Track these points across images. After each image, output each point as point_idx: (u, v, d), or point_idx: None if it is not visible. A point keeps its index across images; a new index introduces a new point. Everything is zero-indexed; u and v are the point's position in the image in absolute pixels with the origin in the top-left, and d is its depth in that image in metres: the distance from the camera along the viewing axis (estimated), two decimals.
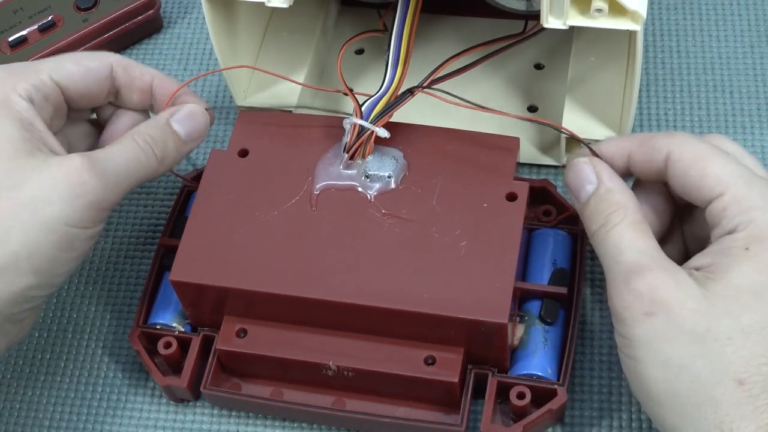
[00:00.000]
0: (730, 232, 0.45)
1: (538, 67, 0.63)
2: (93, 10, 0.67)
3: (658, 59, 0.64)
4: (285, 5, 0.54)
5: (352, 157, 0.52)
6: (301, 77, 0.60)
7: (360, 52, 0.65)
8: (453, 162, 0.52)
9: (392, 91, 0.53)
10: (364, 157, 0.52)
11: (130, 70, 0.54)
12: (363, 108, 0.52)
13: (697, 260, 0.45)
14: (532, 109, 0.61)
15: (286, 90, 0.60)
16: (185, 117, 0.53)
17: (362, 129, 0.52)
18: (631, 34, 0.51)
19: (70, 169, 0.48)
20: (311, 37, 0.63)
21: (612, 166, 0.49)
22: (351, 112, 0.53)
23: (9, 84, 0.50)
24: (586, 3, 0.49)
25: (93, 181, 0.48)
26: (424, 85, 0.53)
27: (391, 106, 0.52)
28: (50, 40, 0.66)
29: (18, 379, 0.56)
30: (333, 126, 0.54)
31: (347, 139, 0.52)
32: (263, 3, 0.54)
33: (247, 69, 0.60)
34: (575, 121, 0.57)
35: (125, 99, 0.54)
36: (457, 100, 0.52)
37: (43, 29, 0.67)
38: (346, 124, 0.52)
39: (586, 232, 0.49)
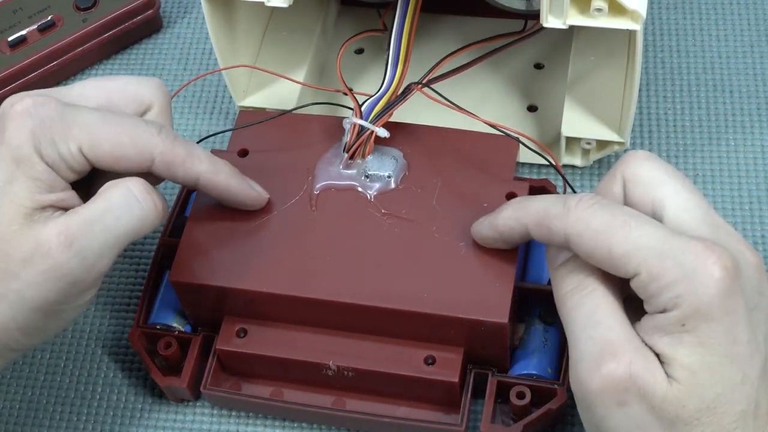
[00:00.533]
0: (663, 311, 0.41)
1: (538, 66, 0.63)
2: (92, 9, 0.67)
3: (658, 59, 0.64)
4: (284, 5, 0.54)
5: (352, 157, 0.52)
6: (300, 77, 0.60)
7: (360, 51, 0.65)
8: (453, 162, 0.52)
9: (392, 90, 0.53)
10: (363, 156, 0.52)
11: (173, 169, 0.47)
12: (363, 108, 0.52)
13: (646, 337, 0.42)
14: (531, 108, 0.61)
15: (286, 89, 0.60)
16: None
17: (362, 129, 0.52)
18: (630, 34, 0.51)
19: (44, 247, 0.44)
20: (311, 37, 0.63)
21: (511, 239, 0.47)
22: (351, 111, 0.53)
23: (35, 140, 0.45)
24: (586, 2, 0.49)
25: (69, 262, 0.44)
26: (423, 82, 0.53)
27: (390, 106, 0.52)
28: (50, 40, 0.66)
29: (18, 379, 0.56)
30: (332, 126, 0.54)
31: (347, 138, 0.52)
32: (263, 2, 0.54)
33: (246, 68, 0.60)
34: (575, 120, 0.57)
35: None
36: (451, 104, 0.52)
37: (43, 29, 0.66)
38: (346, 124, 0.52)
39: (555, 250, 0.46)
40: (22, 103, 0.46)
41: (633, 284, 0.42)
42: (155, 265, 0.55)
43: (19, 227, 0.45)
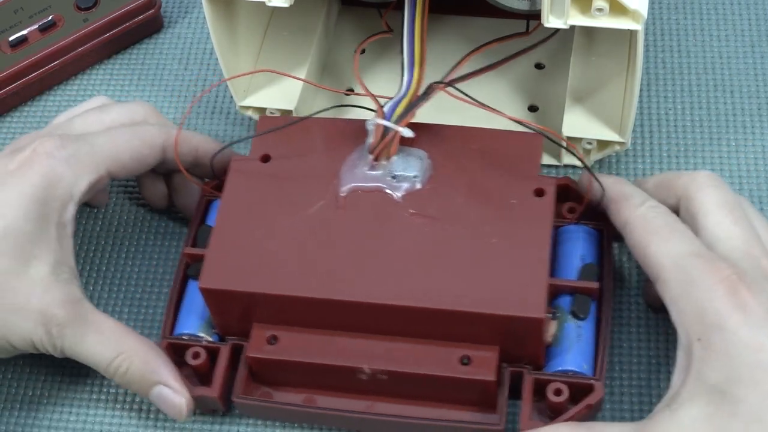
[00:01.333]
0: (676, 322, 0.46)
1: (539, 66, 0.63)
2: (93, 9, 0.67)
3: (659, 59, 0.64)
4: (286, 4, 0.53)
5: (377, 159, 0.52)
6: (301, 75, 0.60)
7: (361, 52, 0.64)
8: (478, 160, 0.52)
9: (412, 92, 0.53)
10: (389, 158, 0.52)
11: (179, 149, 0.54)
12: (385, 108, 0.52)
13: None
14: (532, 108, 0.61)
15: (287, 90, 0.60)
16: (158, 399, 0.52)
17: (386, 130, 0.51)
18: (631, 34, 0.51)
19: (44, 319, 0.50)
20: (311, 37, 0.62)
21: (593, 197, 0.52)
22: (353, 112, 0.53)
23: (67, 182, 0.51)
24: (587, 2, 0.49)
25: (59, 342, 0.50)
26: (446, 81, 0.53)
27: (413, 105, 0.52)
28: (50, 40, 0.66)
29: (18, 380, 0.56)
30: (354, 128, 0.53)
31: (371, 140, 0.52)
32: (264, 2, 0.53)
33: (247, 69, 0.60)
34: (576, 120, 0.57)
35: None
36: (475, 102, 0.51)
37: (44, 29, 0.66)
38: (370, 126, 0.52)
39: (615, 226, 0.50)
40: (51, 142, 0.52)
41: (656, 287, 0.47)
42: (179, 275, 0.55)
43: (23, 271, 0.50)
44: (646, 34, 0.64)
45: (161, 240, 0.60)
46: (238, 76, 0.58)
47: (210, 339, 0.53)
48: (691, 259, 0.45)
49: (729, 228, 0.47)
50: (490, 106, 0.51)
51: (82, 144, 0.52)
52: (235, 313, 0.51)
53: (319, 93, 0.62)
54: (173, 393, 0.50)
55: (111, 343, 0.50)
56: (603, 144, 0.58)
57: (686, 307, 0.45)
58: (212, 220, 0.56)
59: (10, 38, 0.66)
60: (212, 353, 0.52)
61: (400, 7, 0.57)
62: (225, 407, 0.53)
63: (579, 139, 0.57)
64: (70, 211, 0.51)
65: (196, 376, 0.52)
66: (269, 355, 0.50)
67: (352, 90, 0.62)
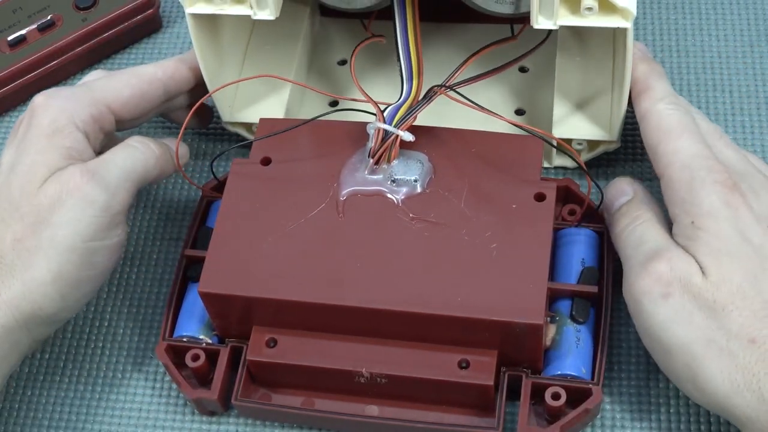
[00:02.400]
0: (678, 214, 0.48)
1: (522, 69, 0.62)
2: (92, 9, 0.67)
3: (658, 58, 0.64)
4: (271, 17, 0.52)
5: (377, 162, 0.52)
6: (286, 91, 0.59)
7: (343, 62, 0.64)
8: (478, 164, 0.52)
9: (411, 99, 0.53)
10: (389, 161, 0.52)
11: (178, 76, 0.56)
12: (386, 112, 0.52)
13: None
14: (519, 112, 0.61)
15: (273, 104, 0.59)
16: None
17: (386, 133, 0.51)
18: (621, 32, 0.51)
19: (70, 185, 0.49)
20: (294, 48, 0.62)
21: None
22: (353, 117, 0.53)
23: (68, 112, 0.51)
24: (576, 2, 0.49)
25: (94, 190, 0.49)
26: (447, 85, 0.53)
27: (413, 110, 0.52)
28: (49, 40, 0.66)
29: (18, 379, 0.56)
30: (354, 132, 0.53)
31: (372, 144, 0.52)
32: (249, 16, 0.52)
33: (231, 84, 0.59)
34: (565, 121, 0.57)
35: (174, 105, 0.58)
36: (476, 106, 0.51)
37: (43, 28, 0.66)
38: (370, 129, 0.52)
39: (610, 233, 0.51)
40: (44, 93, 0.52)
41: (662, 183, 0.50)
42: (178, 277, 0.55)
43: (44, 183, 0.49)
44: (644, 33, 0.64)
45: (160, 241, 0.60)
46: (226, 85, 0.57)
47: (209, 341, 0.53)
48: (698, 160, 0.49)
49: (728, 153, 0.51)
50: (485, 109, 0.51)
51: (80, 87, 0.54)
52: (234, 316, 0.51)
53: (304, 105, 0.61)
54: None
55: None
56: (594, 144, 0.57)
57: (686, 197, 0.48)
58: (212, 221, 0.56)
59: (9, 38, 0.66)
60: (212, 355, 0.52)
61: (382, 16, 0.57)
62: (224, 409, 0.53)
63: (569, 141, 0.57)
64: (80, 139, 0.51)
65: (195, 378, 0.52)
66: (269, 358, 0.50)
67: (336, 103, 0.61)
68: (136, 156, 0.52)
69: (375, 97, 0.53)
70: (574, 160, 0.52)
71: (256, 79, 0.56)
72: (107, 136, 0.54)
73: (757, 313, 0.45)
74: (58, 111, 0.51)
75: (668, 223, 0.50)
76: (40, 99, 0.52)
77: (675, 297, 0.46)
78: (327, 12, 0.65)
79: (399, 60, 0.54)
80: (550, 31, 0.56)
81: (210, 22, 0.55)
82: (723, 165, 0.49)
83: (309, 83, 0.62)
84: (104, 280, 0.52)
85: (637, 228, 0.50)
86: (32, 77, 0.66)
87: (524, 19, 0.52)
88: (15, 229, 0.49)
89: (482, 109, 0.52)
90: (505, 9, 0.53)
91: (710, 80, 0.63)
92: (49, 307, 0.49)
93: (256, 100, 0.60)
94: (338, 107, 0.57)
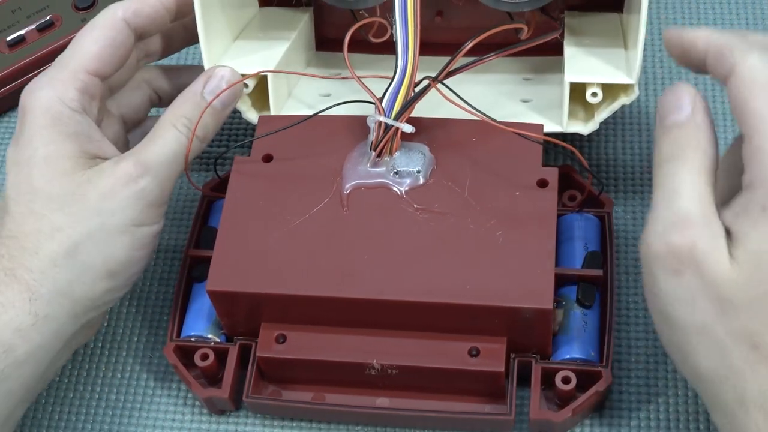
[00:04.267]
0: (750, 185, 0.42)
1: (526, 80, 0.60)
2: (91, 9, 0.67)
3: (657, 58, 0.65)
4: None
5: (379, 155, 0.52)
6: (281, 50, 0.57)
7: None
8: (479, 152, 0.52)
9: (408, 78, 0.51)
10: (391, 154, 0.52)
11: (141, 14, 0.54)
12: (384, 104, 0.52)
13: (725, 215, 0.43)
14: (525, 99, 0.58)
15: (264, 55, 0.57)
16: (217, 85, 0.53)
17: (387, 126, 0.51)
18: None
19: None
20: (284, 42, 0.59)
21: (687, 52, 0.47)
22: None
23: (56, 96, 0.51)
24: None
25: (149, 184, 0.50)
26: (440, 78, 0.53)
27: (411, 101, 0.52)
28: (48, 40, 0.66)
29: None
30: (354, 125, 0.53)
31: (373, 137, 0.52)
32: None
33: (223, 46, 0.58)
34: (578, 64, 0.54)
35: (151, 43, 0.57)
36: (465, 105, 0.51)
37: (42, 29, 0.67)
38: (371, 122, 0.52)
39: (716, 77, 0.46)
40: (27, 88, 0.53)
41: (744, 147, 0.43)
42: (183, 277, 0.55)
43: (86, 175, 0.50)
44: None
45: (160, 240, 0.60)
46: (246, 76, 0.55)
47: (218, 340, 0.53)
48: None
49: None
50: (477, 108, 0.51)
51: (55, 68, 0.53)
52: (243, 313, 0.51)
53: (298, 88, 0.60)
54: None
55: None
56: (609, 92, 0.54)
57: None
58: (214, 221, 0.56)
59: (8, 38, 0.66)
60: (220, 354, 0.52)
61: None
62: (235, 407, 0.53)
63: (583, 89, 0.53)
64: (81, 120, 0.51)
65: (204, 377, 0.52)
66: (278, 354, 0.50)
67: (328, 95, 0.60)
68: (184, 145, 0.52)
69: (372, 85, 0.52)
70: (577, 157, 0.52)
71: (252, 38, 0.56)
72: (102, 98, 0.54)
73: None
74: (47, 100, 0.51)
75: (720, 174, 0.45)
76: (25, 95, 0.52)
77: (686, 277, 0.42)
78: (323, 46, 0.63)
79: (395, 29, 0.52)
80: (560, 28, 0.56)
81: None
82: None
83: (303, 80, 0.61)
84: (150, 261, 0.53)
85: (677, 173, 0.44)
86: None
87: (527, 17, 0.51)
88: (53, 218, 0.49)
89: (471, 109, 0.51)
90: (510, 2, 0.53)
91: (710, 79, 0.63)
92: (99, 291, 0.50)
93: (248, 53, 0.58)
94: (334, 99, 0.56)
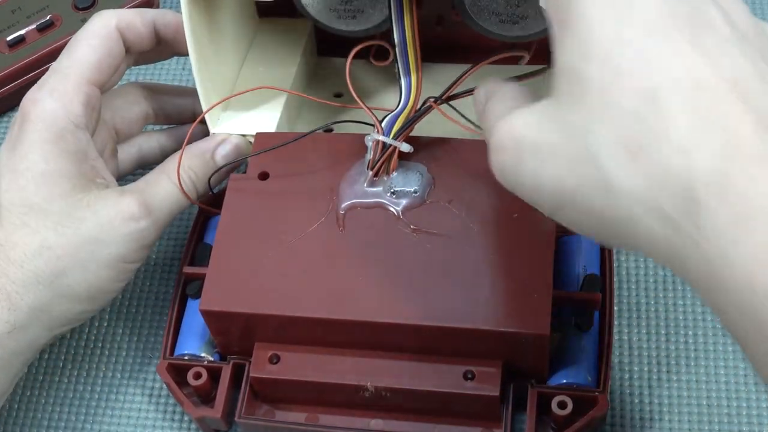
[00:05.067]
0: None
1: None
2: (91, 9, 0.67)
3: None
4: None
5: (376, 174, 0.51)
6: (277, 111, 0.57)
7: (339, 95, 0.61)
8: (478, 173, 0.52)
9: (410, 106, 0.52)
10: (388, 173, 0.51)
11: (134, 29, 0.53)
12: (383, 124, 0.51)
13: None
14: None
15: (263, 116, 0.57)
16: (232, 152, 0.55)
17: (385, 145, 0.51)
18: None
19: (127, 214, 0.50)
20: (289, 73, 0.60)
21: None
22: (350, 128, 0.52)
23: (62, 111, 0.51)
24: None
25: (149, 227, 0.51)
26: (443, 98, 0.52)
27: (411, 120, 0.52)
28: (48, 40, 0.66)
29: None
30: (352, 144, 0.53)
31: (370, 156, 0.51)
32: (250, 25, 0.51)
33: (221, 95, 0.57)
34: None
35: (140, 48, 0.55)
36: (468, 124, 0.51)
37: (42, 29, 0.67)
38: (368, 141, 0.51)
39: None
40: (31, 95, 0.52)
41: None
42: (177, 294, 0.54)
43: (85, 200, 0.50)
44: None
45: (156, 255, 0.60)
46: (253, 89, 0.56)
47: (211, 358, 0.52)
48: None
49: None
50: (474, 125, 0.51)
51: (57, 77, 0.52)
52: (236, 333, 0.50)
53: (300, 118, 0.60)
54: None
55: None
56: None
57: None
58: (209, 237, 0.56)
59: (8, 38, 0.66)
60: (213, 373, 0.52)
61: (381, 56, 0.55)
62: (228, 426, 0.52)
63: None
64: (82, 138, 0.51)
65: (197, 396, 0.52)
66: (272, 375, 0.50)
67: (340, 94, 0.61)
68: (176, 192, 0.53)
69: (377, 102, 0.53)
70: None
71: (251, 92, 0.55)
72: (99, 108, 0.53)
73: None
74: (51, 112, 0.51)
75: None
76: (29, 103, 0.51)
77: (527, 161, 0.39)
78: (324, 51, 0.63)
79: (396, 59, 0.53)
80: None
81: (209, 29, 0.55)
82: None
83: (304, 109, 0.61)
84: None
85: (494, 105, 0.42)
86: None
87: (528, 44, 0.51)
88: (46, 236, 0.49)
89: (475, 128, 0.51)
90: (512, 31, 0.53)
91: None
92: (76, 311, 0.51)
93: (246, 112, 0.57)
94: (333, 121, 0.56)
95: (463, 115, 0.51)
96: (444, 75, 0.55)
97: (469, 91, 0.51)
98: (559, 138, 0.37)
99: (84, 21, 0.66)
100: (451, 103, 0.52)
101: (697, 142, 0.34)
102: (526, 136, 0.39)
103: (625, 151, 0.35)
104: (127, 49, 0.54)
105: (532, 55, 0.54)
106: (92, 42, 0.53)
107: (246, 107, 0.57)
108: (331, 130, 0.56)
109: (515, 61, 0.55)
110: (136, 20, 0.53)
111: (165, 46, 0.55)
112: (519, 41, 0.53)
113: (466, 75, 0.52)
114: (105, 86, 0.54)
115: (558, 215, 0.39)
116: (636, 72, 0.35)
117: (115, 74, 0.54)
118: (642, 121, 0.35)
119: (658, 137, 0.34)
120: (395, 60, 0.53)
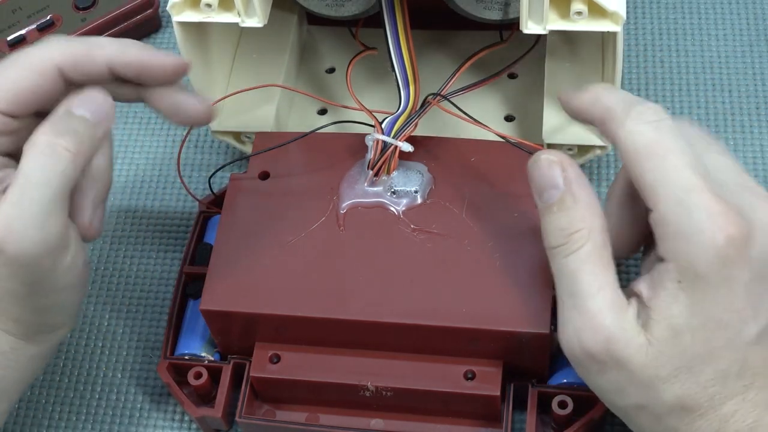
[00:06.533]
0: (663, 257, 0.41)
1: (512, 76, 0.61)
2: (92, 9, 0.67)
3: (657, 58, 0.64)
4: (259, 25, 0.51)
5: (377, 174, 0.51)
6: (274, 99, 0.58)
7: (331, 71, 0.62)
8: (478, 172, 0.52)
9: (410, 108, 0.52)
10: (388, 173, 0.52)
11: (81, 67, 0.46)
12: (384, 123, 0.51)
13: (640, 284, 0.43)
14: (508, 118, 0.59)
15: (262, 112, 0.58)
16: (87, 100, 0.45)
17: (385, 145, 0.51)
18: (611, 35, 0.50)
19: None
20: (281, 57, 0.60)
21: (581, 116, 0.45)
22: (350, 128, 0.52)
23: None
24: (566, 6, 0.48)
25: (19, 254, 0.43)
26: (441, 94, 0.53)
27: (411, 120, 0.52)
28: None
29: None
30: (353, 144, 0.53)
31: (371, 155, 0.51)
32: (237, 25, 0.51)
33: (220, 91, 0.58)
34: (555, 127, 0.56)
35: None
36: (469, 118, 0.51)
37: (42, 28, 0.67)
38: (369, 141, 0.51)
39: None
40: None
41: (650, 217, 0.42)
42: (177, 294, 0.54)
43: None
44: (644, 33, 0.64)
45: (156, 254, 0.60)
46: (251, 88, 0.56)
47: (212, 358, 0.52)
48: (694, 195, 0.41)
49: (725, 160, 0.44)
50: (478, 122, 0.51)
51: None
52: (237, 333, 0.50)
53: (293, 113, 0.60)
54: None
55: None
56: (584, 149, 0.56)
57: (682, 246, 0.41)
58: (209, 237, 0.56)
59: (9, 38, 0.66)
60: (214, 373, 0.52)
61: (370, 24, 0.56)
62: (228, 426, 0.52)
63: (560, 146, 0.56)
64: None
65: (198, 396, 0.52)
66: (272, 375, 0.50)
67: (325, 111, 0.60)
68: (48, 168, 0.43)
69: (368, 105, 0.53)
70: None
71: (244, 87, 0.55)
72: (12, 132, 0.46)
73: (702, 384, 0.41)
74: None
75: (615, 210, 0.45)
76: None
77: (610, 373, 0.42)
78: (315, 20, 0.64)
79: (393, 70, 0.53)
80: (539, 37, 0.56)
81: (197, 31, 0.55)
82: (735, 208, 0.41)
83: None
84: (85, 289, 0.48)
85: (569, 261, 0.43)
86: None
87: (514, 24, 0.51)
88: None
89: (476, 122, 0.51)
90: (494, 15, 0.53)
91: (710, 80, 0.63)
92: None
93: (245, 109, 0.58)
94: (331, 119, 0.56)
95: (462, 110, 0.52)
96: (439, 71, 0.55)
97: (467, 88, 0.52)
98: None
99: (84, 21, 0.66)
100: (449, 98, 0.52)
101: None
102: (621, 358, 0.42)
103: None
104: (71, 84, 0.46)
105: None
106: (19, 73, 0.45)
107: (241, 99, 0.57)
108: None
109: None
110: (86, 59, 0.46)
111: (128, 87, 0.48)
112: (504, 23, 0.54)
113: (461, 70, 0.52)
114: (22, 113, 0.45)
115: (591, 383, 0.44)
116: None
117: (42, 106, 0.46)
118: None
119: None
120: (393, 72, 0.53)
